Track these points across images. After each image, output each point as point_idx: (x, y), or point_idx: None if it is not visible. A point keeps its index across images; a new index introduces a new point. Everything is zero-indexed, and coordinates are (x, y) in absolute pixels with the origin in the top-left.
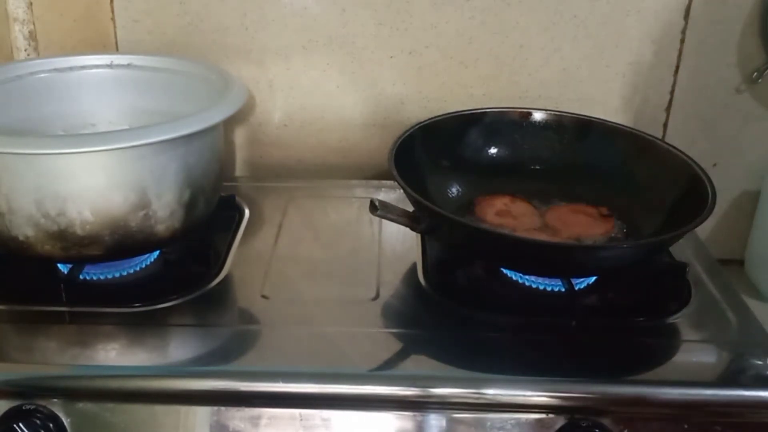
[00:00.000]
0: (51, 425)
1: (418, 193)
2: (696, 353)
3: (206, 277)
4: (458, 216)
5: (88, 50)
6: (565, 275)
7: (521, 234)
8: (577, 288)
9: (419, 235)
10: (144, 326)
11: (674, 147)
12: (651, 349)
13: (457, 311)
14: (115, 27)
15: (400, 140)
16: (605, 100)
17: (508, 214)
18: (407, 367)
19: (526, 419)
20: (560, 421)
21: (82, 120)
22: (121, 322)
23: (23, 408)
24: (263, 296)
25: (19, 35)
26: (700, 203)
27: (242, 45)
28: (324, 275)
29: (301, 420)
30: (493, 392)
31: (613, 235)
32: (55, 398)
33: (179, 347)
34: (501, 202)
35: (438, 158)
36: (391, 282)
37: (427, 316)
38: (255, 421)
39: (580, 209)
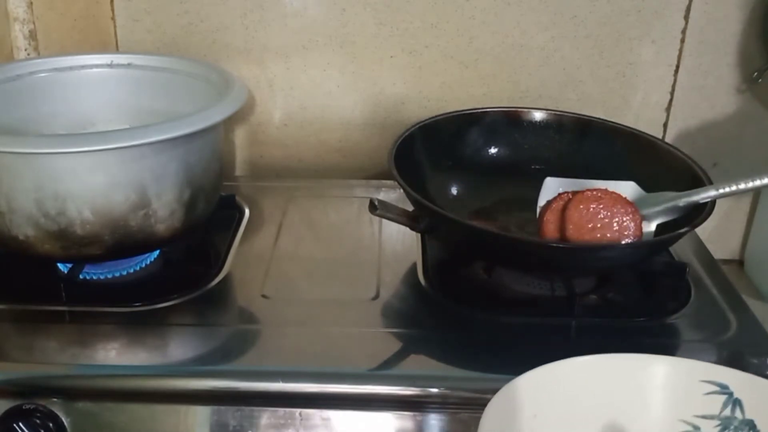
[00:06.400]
0: (51, 425)
1: (418, 193)
2: (696, 353)
3: (206, 277)
4: (458, 216)
5: (88, 50)
6: (565, 275)
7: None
8: (576, 288)
9: (419, 235)
10: (144, 326)
11: (674, 147)
12: (651, 349)
13: (457, 311)
14: (115, 26)
15: (400, 140)
16: (605, 100)
17: None
18: (407, 367)
19: None
20: None
21: (82, 120)
22: (121, 321)
23: (23, 407)
24: (263, 296)
25: (19, 35)
26: (700, 203)
27: (242, 45)
28: (324, 275)
29: (301, 420)
30: (493, 392)
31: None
32: (54, 398)
33: (179, 347)
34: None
35: (438, 158)
36: (391, 282)
37: (427, 316)
38: (255, 421)
39: None
